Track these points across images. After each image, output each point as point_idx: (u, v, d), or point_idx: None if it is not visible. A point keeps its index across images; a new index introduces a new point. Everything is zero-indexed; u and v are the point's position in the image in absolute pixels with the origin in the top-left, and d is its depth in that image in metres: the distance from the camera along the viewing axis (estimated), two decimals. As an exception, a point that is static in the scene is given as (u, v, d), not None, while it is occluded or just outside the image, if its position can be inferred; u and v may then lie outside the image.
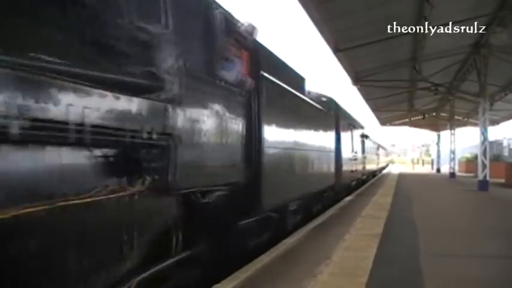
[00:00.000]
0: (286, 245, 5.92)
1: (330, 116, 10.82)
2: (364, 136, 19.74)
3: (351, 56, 14.70)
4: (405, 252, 5.65)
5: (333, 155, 10.62)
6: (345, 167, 12.76)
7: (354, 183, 16.36)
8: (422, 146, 70.32)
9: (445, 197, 14.60)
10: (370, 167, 24.46)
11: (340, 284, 4.24)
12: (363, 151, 19.20)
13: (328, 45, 13.15)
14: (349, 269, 4.74)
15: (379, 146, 34.10)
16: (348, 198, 12.84)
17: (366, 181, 21.68)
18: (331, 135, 10.54)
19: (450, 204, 12.05)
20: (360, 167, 17.36)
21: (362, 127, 19.79)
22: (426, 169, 47.30)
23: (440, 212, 10.09)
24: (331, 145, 10.53)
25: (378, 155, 31.92)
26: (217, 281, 4.14)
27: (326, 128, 9.87)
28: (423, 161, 64.16)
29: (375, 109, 28.13)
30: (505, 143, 29.91)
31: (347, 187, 14.46)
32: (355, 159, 15.49)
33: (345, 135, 12.91)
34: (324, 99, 10.85)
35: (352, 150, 14.78)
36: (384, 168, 43.06)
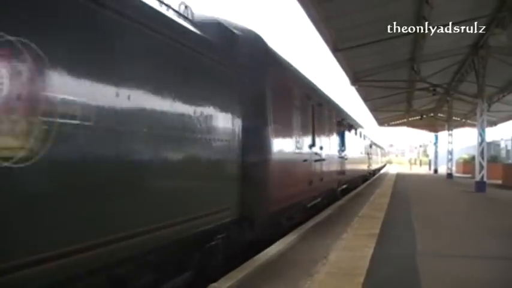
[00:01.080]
0: (283, 244, 5.91)
1: (233, 62, 5.26)
2: (344, 126, 13.90)
3: (349, 56, 14.69)
4: (402, 252, 5.66)
5: (233, 147, 5.16)
6: (284, 176, 6.80)
7: (314, 202, 9.33)
8: (420, 146, 70.51)
9: (443, 197, 14.63)
10: (358, 169, 18.37)
11: (337, 283, 4.23)
12: (342, 148, 13.05)
13: (327, 45, 13.14)
14: (346, 269, 4.74)
15: (372, 144, 27.96)
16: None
17: (349, 190, 15.08)
18: (229, 103, 5.09)
19: (447, 205, 12.08)
20: (332, 171, 11.37)
21: (340, 112, 13.89)
22: (424, 170, 47.38)
23: (438, 213, 10.10)
24: (225, 124, 4.96)
25: (369, 154, 25.27)
26: (214, 280, 4.13)
27: (213, 85, 4.74)
28: (421, 161, 64.28)
29: (373, 109, 28.16)
30: (502, 144, 30.01)
31: (291, 215, 7.76)
32: (320, 161, 9.36)
33: (287, 113, 7.16)
34: (235, 32, 5.63)
35: (313, 145, 8.75)
36: (378, 170, 36.80)
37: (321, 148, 9.60)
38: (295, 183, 7.59)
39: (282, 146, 6.72)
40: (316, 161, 9.01)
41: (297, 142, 7.56)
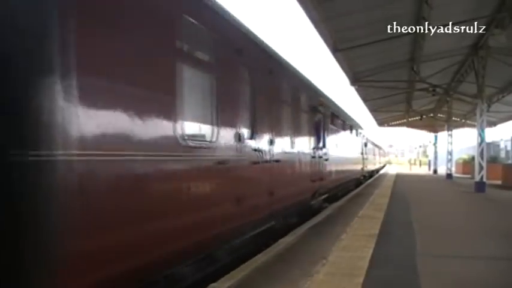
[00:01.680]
0: (282, 245, 5.91)
1: None
2: (325, 114, 10.89)
3: (349, 57, 14.68)
4: (402, 253, 5.65)
5: None
6: (143, 197, 3.38)
7: (253, 233, 5.95)
8: (420, 147, 70.54)
9: (442, 198, 14.62)
10: (346, 172, 15.45)
11: (336, 283, 4.23)
12: (320, 145, 10.04)
13: (327, 45, 13.15)
14: (346, 269, 4.74)
15: (367, 142, 25.88)
16: None
17: (335, 199, 12.41)
18: None
19: (447, 206, 12.08)
20: (300, 177, 8.45)
21: (316, 93, 10.40)
22: (423, 170, 47.38)
23: (437, 213, 10.11)
24: None
25: (364, 154, 23.09)
26: (214, 280, 4.13)
27: None
28: (420, 161, 64.31)
29: (373, 110, 28.15)
30: (501, 145, 30.06)
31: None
32: (269, 162, 6.30)
33: (157, 61, 3.67)
34: None
35: (251, 137, 5.67)
36: (376, 171, 33.39)
37: (271, 143, 6.36)
38: (186, 208, 4.00)
39: (136, 128, 3.26)
40: (257, 163, 5.78)
41: (199, 127, 4.49)
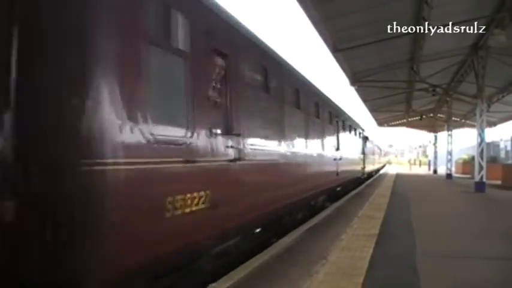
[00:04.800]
0: (282, 245, 5.91)
1: None
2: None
3: (349, 57, 14.70)
4: (402, 253, 5.66)
5: None
6: None
7: None
8: (420, 147, 70.60)
9: (442, 198, 14.63)
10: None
11: (336, 283, 4.23)
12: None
13: (327, 45, 13.15)
14: (346, 269, 4.74)
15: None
16: None
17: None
18: None
19: (447, 206, 12.09)
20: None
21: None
22: (423, 170, 47.38)
23: (437, 213, 10.11)
24: None
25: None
26: (214, 280, 4.13)
27: None
28: (420, 161, 64.33)
29: (373, 110, 28.16)
30: (501, 145, 30.04)
31: None
32: None
33: None
34: None
35: None
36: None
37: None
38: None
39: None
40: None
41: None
